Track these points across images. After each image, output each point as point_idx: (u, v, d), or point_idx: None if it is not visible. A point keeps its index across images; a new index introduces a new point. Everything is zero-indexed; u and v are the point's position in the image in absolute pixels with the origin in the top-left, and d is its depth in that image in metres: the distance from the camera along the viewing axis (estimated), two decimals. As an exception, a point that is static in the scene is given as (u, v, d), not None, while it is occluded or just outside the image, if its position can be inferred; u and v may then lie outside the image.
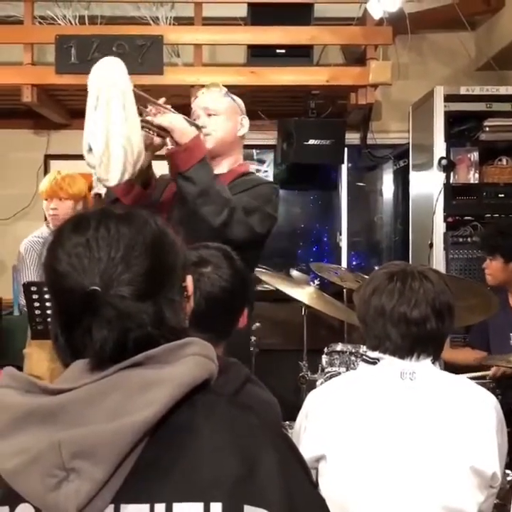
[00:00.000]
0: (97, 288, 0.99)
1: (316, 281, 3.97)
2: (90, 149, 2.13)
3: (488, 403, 1.73)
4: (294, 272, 4.52)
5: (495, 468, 1.65)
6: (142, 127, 2.20)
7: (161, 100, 2.35)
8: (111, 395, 0.96)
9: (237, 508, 0.93)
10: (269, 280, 3.92)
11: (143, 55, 4.26)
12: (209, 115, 2.53)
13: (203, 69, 4.46)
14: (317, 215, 5.68)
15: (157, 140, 2.33)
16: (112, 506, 0.93)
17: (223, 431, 1.00)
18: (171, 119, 2.30)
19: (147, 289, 1.02)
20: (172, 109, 2.37)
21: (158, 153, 2.39)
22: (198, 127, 2.43)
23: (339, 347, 3.30)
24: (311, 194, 5.65)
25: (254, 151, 5.46)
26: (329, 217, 5.56)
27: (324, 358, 3.33)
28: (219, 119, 2.53)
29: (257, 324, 4.11)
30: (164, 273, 1.06)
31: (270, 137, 5.08)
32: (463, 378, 1.83)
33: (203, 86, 4.16)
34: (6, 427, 0.96)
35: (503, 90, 4.46)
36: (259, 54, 4.48)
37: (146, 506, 0.93)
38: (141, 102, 2.22)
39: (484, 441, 1.66)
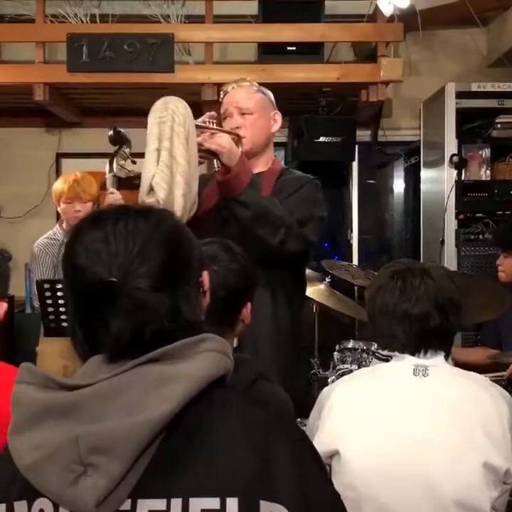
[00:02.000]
0: (114, 279, 1.01)
1: (327, 279, 3.96)
2: (151, 190, 2.11)
3: (502, 399, 1.73)
4: (307, 270, 4.51)
5: (509, 464, 1.64)
6: None
7: (211, 113, 2.32)
8: (128, 390, 0.97)
9: (253, 503, 0.94)
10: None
11: (154, 53, 4.27)
12: (242, 114, 2.48)
13: (214, 67, 4.47)
14: (328, 212, 5.65)
15: (200, 160, 2.30)
16: (129, 501, 0.94)
17: (239, 426, 1.00)
18: (219, 141, 2.25)
19: (164, 281, 1.03)
20: (215, 127, 2.33)
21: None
22: (237, 135, 2.40)
23: (351, 344, 3.31)
24: (323, 194, 5.63)
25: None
26: (340, 214, 5.55)
27: (336, 355, 3.34)
28: (252, 118, 2.48)
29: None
30: (180, 267, 1.08)
31: (281, 135, 5.06)
32: (476, 374, 1.82)
33: (217, 84, 4.27)
34: (25, 422, 0.97)
35: (515, 87, 4.44)
36: (270, 51, 4.48)
37: (163, 501, 0.94)
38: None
39: (498, 438, 1.65)
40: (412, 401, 1.70)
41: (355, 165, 5.30)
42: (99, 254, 1.03)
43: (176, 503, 0.94)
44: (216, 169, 2.29)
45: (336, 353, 3.35)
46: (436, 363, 1.74)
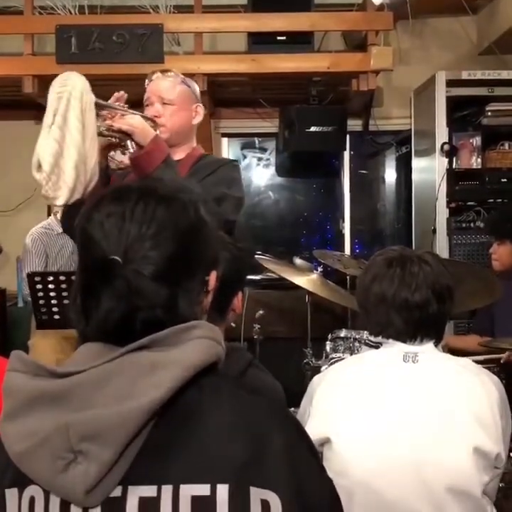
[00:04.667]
0: (117, 258, 1.01)
1: (320, 269, 3.97)
2: (39, 166, 2.09)
3: (491, 384, 1.73)
4: (298, 260, 4.52)
5: (499, 449, 1.65)
6: (102, 134, 2.19)
7: (119, 94, 2.33)
8: (118, 377, 0.97)
9: (243, 489, 0.94)
10: (273, 268, 3.92)
11: (143, 44, 4.26)
12: (163, 104, 2.51)
13: (204, 57, 4.46)
14: (320, 202, 5.68)
15: (113, 140, 2.29)
16: (119, 488, 0.94)
17: (230, 413, 1.00)
18: (130, 121, 2.27)
19: (167, 272, 1.03)
20: (126, 108, 2.33)
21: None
22: (154, 121, 2.42)
23: (343, 333, 3.31)
24: (313, 182, 5.64)
25: (256, 139, 5.46)
26: (332, 204, 5.55)
27: (328, 345, 3.34)
28: (173, 109, 2.51)
29: (261, 312, 4.12)
30: (189, 262, 1.07)
31: (272, 125, 5.07)
32: (466, 360, 1.83)
33: (207, 74, 4.26)
34: (16, 410, 0.97)
35: (505, 74, 4.45)
36: (260, 41, 4.48)
37: (154, 488, 0.94)
38: (97, 108, 2.18)
39: (488, 422, 1.66)
40: (401, 387, 1.70)
41: (346, 155, 5.30)
42: (111, 229, 1.03)
43: (167, 490, 0.94)
44: (131, 150, 2.29)
45: (328, 342, 3.35)
46: (426, 349, 1.74)
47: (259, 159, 5.52)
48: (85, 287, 1.05)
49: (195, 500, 0.94)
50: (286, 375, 2.87)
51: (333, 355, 3.27)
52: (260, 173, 5.55)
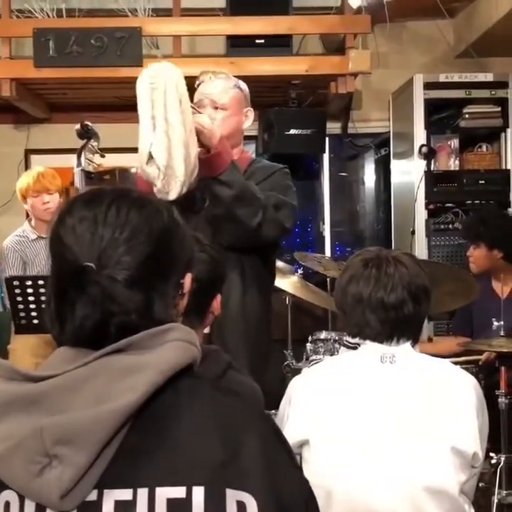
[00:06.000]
0: (90, 264, 1.00)
1: (300, 271, 3.98)
2: (150, 159, 2.08)
3: (468, 384, 1.75)
4: (279, 263, 4.53)
5: (476, 448, 1.67)
6: None
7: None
8: (93, 381, 0.97)
9: (219, 491, 0.94)
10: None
11: (122, 47, 4.24)
12: (216, 108, 2.45)
13: (183, 60, 4.42)
14: (300, 205, 5.66)
15: None
16: (95, 492, 0.94)
17: (206, 415, 1.00)
18: (199, 120, 2.23)
19: (142, 277, 1.02)
20: (196, 107, 2.30)
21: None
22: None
23: (323, 335, 3.33)
24: (294, 185, 5.64)
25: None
26: (312, 207, 5.56)
27: (308, 346, 3.36)
28: (225, 114, 2.45)
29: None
30: (163, 265, 1.06)
31: (251, 128, 5.05)
32: (442, 361, 1.85)
33: (185, 77, 4.23)
34: None
35: (481, 77, 4.49)
36: (239, 44, 4.47)
37: (129, 491, 0.94)
38: None
39: (464, 422, 1.68)
40: (379, 388, 1.71)
41: (326, 157, 5.32)
42: (84, 233, 1.02)
43: (143, 493, 0.94)
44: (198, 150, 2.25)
45: (308, 344, 3.37)
46: (403, 350, 1.75)
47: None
48: (59, 293, 1.04)
49: (171, 502, 0.93)
50: (267, 378, 2.88)
51: (314, 357, 3.29)
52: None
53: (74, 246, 1.02)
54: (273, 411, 2.35)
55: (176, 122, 2.08)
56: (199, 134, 2.21)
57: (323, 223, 5.40)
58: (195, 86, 2.54)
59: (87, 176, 2.56)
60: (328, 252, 5.33)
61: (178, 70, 2.16)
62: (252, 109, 2.59)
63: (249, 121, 2.57)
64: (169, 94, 2.09)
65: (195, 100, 2.51)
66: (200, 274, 1.81)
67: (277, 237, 2.44)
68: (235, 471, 0.96)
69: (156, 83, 2.12)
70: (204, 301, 1.85)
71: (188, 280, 1.13)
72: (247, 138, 5.37)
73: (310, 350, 3.33)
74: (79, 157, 2.52)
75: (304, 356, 3.41)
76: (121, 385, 0.95)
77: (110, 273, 1.01)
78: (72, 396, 0.96)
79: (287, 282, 3.80)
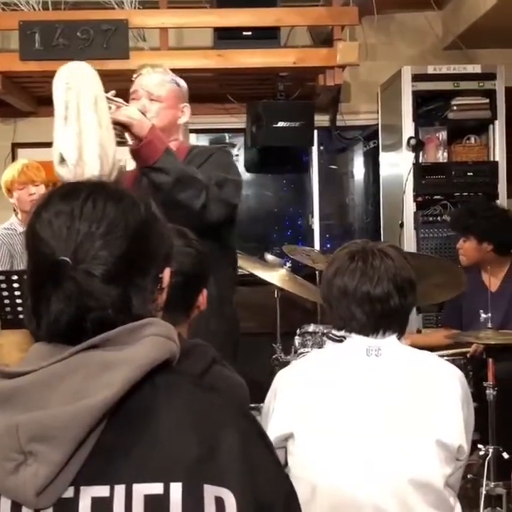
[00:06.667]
0: (66, 259, 0.99)
1: (288, 264, 3.97)
2: (62, 160, 2.08)
3: (453, 377, 1.75)
4: (269, 256, 4.53)
5: (461, 441, 1.67)
6: None
7: (111, 93, 2.30)
8: (69, 377, 0.96)
9: (197, 487, 0.94)
10: (242, 264, 3.91)
11: (108, 39, 4.21)
12: (151, 100, 2.48)
13: (170, 53, 4.42)
14: (290, 198, 5.68)
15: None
16: (71, 489, 0.93)
17: (184, 411, 0.99)
18: (127, 113, 2.26)
19: (119, 271, 1.01)
20: (122, 101, 2.32)
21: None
22: (144, 114, 2.39)
23: (311, 328, 3.32)
24: (283, 177, 5.64)
25: (226, 134, 5.44)
26: (302, 200, 5.56)
27: (297, 340, 3.35)
28: (160, 106, 2.49)
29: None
30: (141, 259, 1.05)
31: (240, 121, 5.05)
32: (428, 353, 1.84)
33: (172, 70, 4.21)
34: None
35: (470, 68, 4.48)
36: (226, 37, 4.44)
37: (106, 488, 0.93)
38: None
39: (449, 415, 1.67)
40: (364, 381, 1.71)
41: (315, 150, 5.30)
42: (60, 228, 1.01)
43: (120, 489, 0.93)
44: (129, 143, 2.28)
45: (297, 337, 3.36)
46: (389, 343, 1.75)
47: (228, 155, 5.49)
48: (35, 288, 1.03)
49: (149, 499, 0.93)
50: (257, 371, 2.87)
51: (302, 350, 3.28)
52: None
53: (50, 240, 1.01)
54: (261, 404, 2.34)
55: (90, 122, 2.08)
56: (129, 126, 2.24)
57: (312, 216, 5.39)
58: (132, 78, 2.56)
59: None
60: (317, 245, 5.33)
61: (94, 70, 2.17)
62: (188, 105, 2.60)
63: (185, 117, 2.59)
64: (84, 94, 2.09)
65: (130, 91, 2.53)
66: (187, 268, 1.80)
67: (225, 215, 2.41)
68: (213, 467, 0.95)
69: (71, 83, 2.12)
70: (190, 295, 1.84)
71: (167, 274, 1.12)
72: (236, 131, 5.40)
73: (298, 343, 3.33)
74: None
75: (293, 349, 3.40)
76: (98, 381, 0.95)
77: (86, 268, 0.99)
78: (48, 392, 0.95)
79: (275, 275, 3.79)
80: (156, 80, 2.52)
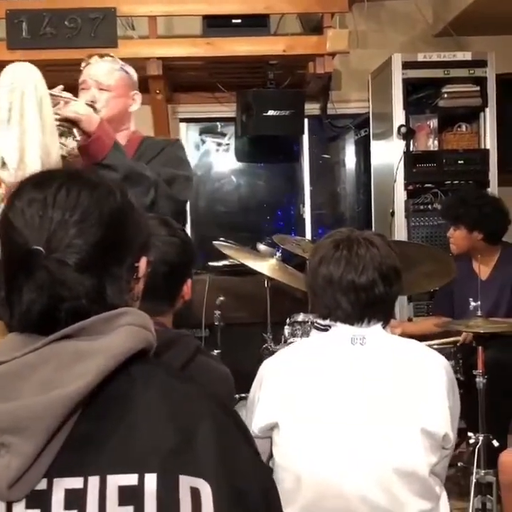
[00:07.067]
0: (39, 248, 0.97)
1: (278, 254, 3.95)
2: (3, 164, 2.06)
3: (439, 365, 1.74)
4: (261, 246, 4.52)
5: (446, 429, 1.66)
6: None
7: (58, 88, 2.29)
8: (42, 367, 0.94)
9: (172, 478, 0.93)
10: (231, 254, 3.90)
11: (96, 28, 4.17)
12: (100, 89, 2.47)
13: (159, 41, 4.39)
14: (282, 187, 5.66)
15: (60, 128, 2.26)
16: (44, 480, 0.92)
17: (159, 401, 0.98)
18: (74, 109, 2.24)
19: (93, 260, 1.00)
20: (70, 95, 2.30)
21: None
22: (94, 107, 2.39)
23: (301, 317, 3.31)
24: (274, 167, 5.62)
25: (219, 123, 5.41)
26: (294, 189, 5.54)
27: (286, 329, 3.34)
28: (110, 95, 2.48)
29: (222, 298, 4.10)
30: (116, 248, 1.04)
31: (230, 109, 5.02)
32: (413, 342, 1.83)
33: (161, 58, 4.19)
34: None
35: (460, 56, 4.45)
36: (215, 25, 4.41)
37: (80, 479, 0.92)
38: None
39: (435, 403, 1.67)
40: (349, 370, 1.70)
41: (305, 139, 5.28)
42: (33, 216, 0.99)
43: (94, 481, 0.92)
44: (77, 138, 2.27)
45: (286, 326, 3.35)
46: (374, 331, 1.74)
47: (219, 144, 5.47)
48: (8, 278, 1.01)
49: (123, 490, 0.91)
50: (247, 361, 2.86)
51: (292, 340, 3.27)
52: (220, 159, 5.51)
53: (23, 229, 0.99)
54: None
55: (33, 124, 2.06)
56: (77, 121, 2.23)
57: (303, 205, 5.37)
58: (81, 68, 2.54)
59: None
60: (308, 235, 5.31)
61: (38, 71, 2.15)
62: (139, 93, 2.59)
63: (136, 105, 2.58)
64: (27, 96, 2.08)
65: (79, 81, 2.51)
66: (171, 258, 1.79)
67: (175, 211, 2.39)
68: (189, 458, 0.94)
69: (15, 83, 2.10)
70: (175, 285, 1.83)
71: (143, 264, 1.10)
72: (226, 120, 5.36)
73: (288, 333, 3.32)
74: None
75: (283, 339, 3.39)
76: (71, 371, 0.93)
77: (60, 257, 0.98)
78: (20, 383, 0.94)
79: (265, 265, 3.77)
80: (105, 69, 2.51)
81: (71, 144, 2.54)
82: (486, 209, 3.61)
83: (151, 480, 0.92)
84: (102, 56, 2.55)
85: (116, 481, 0.92)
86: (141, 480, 0.92)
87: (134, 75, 2.60)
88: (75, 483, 0.92)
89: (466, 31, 4.76)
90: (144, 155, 2.45)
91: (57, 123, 2.21)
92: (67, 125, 2.24)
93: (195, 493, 0.93)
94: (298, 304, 4.57)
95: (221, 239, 4.02)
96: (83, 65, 2.55)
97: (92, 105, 2.39)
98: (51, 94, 2.22)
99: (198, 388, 1.04)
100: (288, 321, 3.36)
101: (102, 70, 2.50)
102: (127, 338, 0.98)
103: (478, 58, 4.44)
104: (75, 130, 2.26)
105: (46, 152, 2.08)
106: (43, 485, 0.91)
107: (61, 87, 2.29)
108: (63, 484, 0.92)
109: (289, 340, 3.27)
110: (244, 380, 1.92)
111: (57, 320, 0.99)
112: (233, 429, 1.02)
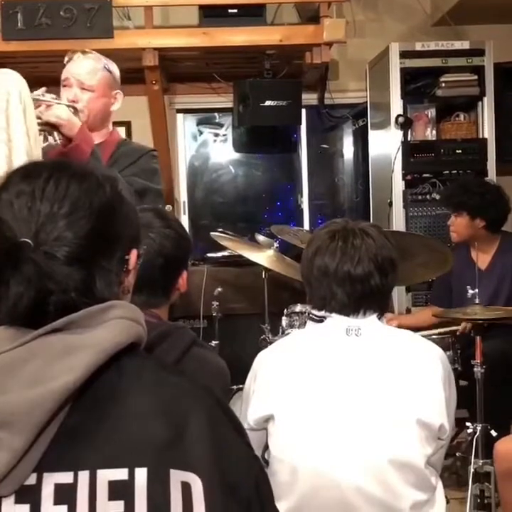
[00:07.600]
0: (27, 240, 0.96)
1: (276, 244, 3.94)
2: None
3: (434, 355, 1.73)
4: (260, 237, 4.50)
5: (442, 420, 1.65)
6: None
7: (41, 90, 2.28)
8: (31, 361, 0.93)
9: (162, 472, 0.92)
10: (229, 245, 3.89)
11: (92, 18, 4.14)
12: (83, 89, 2.47)
13: (155, 31, 4.36)
14: (279, 178, 5.65)
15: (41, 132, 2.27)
16: (34, 475, 0.91)
17: (150, 395, 0.98)
18: (56, 113, 2.23)
19: (82, 253, 0.99)
20: (53, 97, 2.29)
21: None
22: (74, 108, 2.38)
23: (298, 308, 3.30)
24: (272, 157, 5.60)
25: (217, 114, 5.39)
26: (292, 179, 5.52)
27: (284, 320, 3.33)
28: (92, 96, 2.48)
29: (220, 289, 4.09)
30: (106, 241, 1.03)
31: (227, 100, 5.00)
32: (409, 333, 1.83)
33: (158, 49, 4.18)
34: None
35: (458, 45, 4.43)
36: (212, 14, 4.39)
37: (70, 474, 0.91)
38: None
39: (430, 394, 1.66)
40: (344, 361, 1.69)
41: (303, 129, 5.26)
42: (21, 208, 0.98)
43: (83, 476, 0.91)
44: (57, 142, 2.26)
45: (284, 317, 3.34)
46: (369, 322, 1.73)
47: (216, 135, 5.45)
48: None
49: (113, 485, 0.91)
50: (245, 352, 2.85)
51: (289, 331, 3.26)
52: (218, 149, 5.49)
53: (11, 222, 0.98)
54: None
55: (17, 131, 2.05)
56: (59, 126, 2.22)
57: (302, 196, 5.36)
58: (64, 63, 2.53)
59: None
60: (306, 225, 5.30)
61: (22, 78, 2.13)
62: (121, 91, 2.59)
63: (117, 104, 2.59)
64: (12, 102, 2.06)
65: (62, 77, 2.50)
66: (167, 250, 1.78)
67: None
68: (180, 452, 0.94)
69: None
70: (170, 277, 1.82)
71: (133, 256, 1.09)
72: (223, 110, 5.34)
73: (285, 324, 3.31)
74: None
75: (280, 330, 3.39)
76: (60, 365, 0.92)
77: (48, 249, 0.97)
78: (9, 378, 0.93)
79: (262, 256, 3.76)
80: (88, 68, 2.50)
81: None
82: (489, 196, 3.59)
83: (141, 474, 0.91)
84: (84, 53, 2.53)
85: (107, 475, 0.91)
86: (132, 474, 0.91)
87: (116, 72, 2.59)
88: (65, 477, 0.91)
89: (464, 20, 4.73)
90: (118, 162, 2.47)
91: (39, 127, 2.20)
92: (48, 129, 2.25)
93: (186, 488, 0.92)
94: (296, 295, 4.57)
95: (219, 230, 4.02)
96: (66, 59, 2.54)
97: (74, 107, 2.39)
98: (34, 98, 2.21)
99: (190, 382, 1.04)
100: (285, 311, 3.35)
101: (85, 69, 2.50)
102: (117, 332, 0.97)
103: (476, 47, 4.42)
104: (55, 134, 2.26)
105: (30, 158, 2.07)
106: (32, 480, 0.91)
107: (44, 89, 2.29)
108: (53, 479, 0.91)
109: (286, 331, 3.26)
110: (242, 371, 1.91)
111: (46, 313, 0.98)
112: (225, 422, 1.02)
